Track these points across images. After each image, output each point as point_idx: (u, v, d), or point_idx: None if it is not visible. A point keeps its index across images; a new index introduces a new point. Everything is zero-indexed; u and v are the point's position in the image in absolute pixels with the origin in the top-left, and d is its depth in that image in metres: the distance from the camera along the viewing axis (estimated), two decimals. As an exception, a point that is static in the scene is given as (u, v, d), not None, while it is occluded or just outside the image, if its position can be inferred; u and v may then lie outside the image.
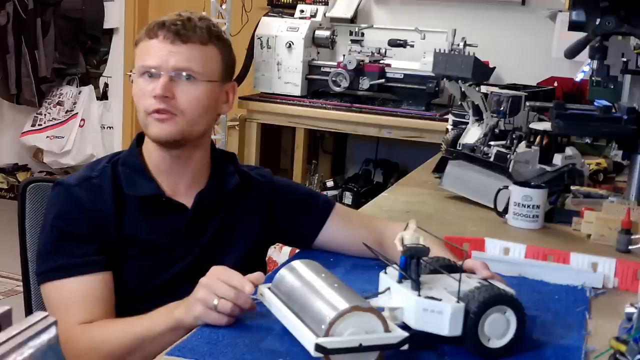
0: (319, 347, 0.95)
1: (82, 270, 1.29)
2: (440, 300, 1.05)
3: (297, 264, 1.15)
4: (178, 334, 1.12)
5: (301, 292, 1.07)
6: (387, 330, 0.99)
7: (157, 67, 1.33)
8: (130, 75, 1.40)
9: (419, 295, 1.05)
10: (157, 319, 1.19)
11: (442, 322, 1.04)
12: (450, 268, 1.16)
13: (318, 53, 3.94)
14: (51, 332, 0.62)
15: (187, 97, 1.35)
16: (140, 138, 1.45)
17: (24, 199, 1.56)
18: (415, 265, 1.07)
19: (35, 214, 1.55)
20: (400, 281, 1.10)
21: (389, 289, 1.11)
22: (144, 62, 1.35)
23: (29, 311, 1.55)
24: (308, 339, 0.97)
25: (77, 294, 1.28)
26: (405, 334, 1.00)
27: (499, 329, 1.07)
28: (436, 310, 1.04)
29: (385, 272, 1.15)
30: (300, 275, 1.11)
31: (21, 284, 1.58)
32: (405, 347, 0.99)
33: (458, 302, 1.04)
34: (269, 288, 1.15)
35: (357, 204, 3.66)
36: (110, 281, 1.32)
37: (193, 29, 1.35)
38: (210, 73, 1.37)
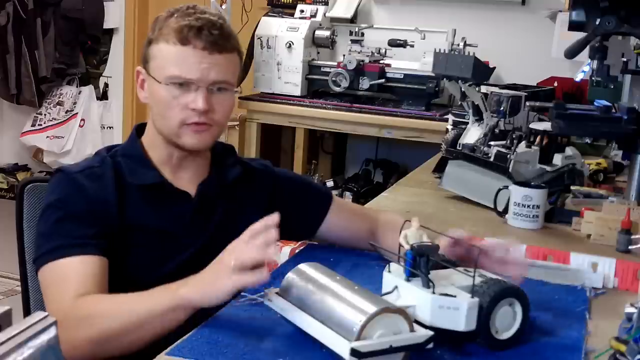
0: (354, 352, 0.95)
1: (80, 250, 1.26)
2: (454, 296, 1.06)
3: (304, 267, 1.14)
4: (178, 315, 1.12)
5: (319, 296, 1.07)
6: (412, 329, 1.00)
7: (197, 80, 1.31)
8: (140, 73, 1.38)
9: (434, 292, 1.06)
10: (159, 298, 1.16)
11: (458, 318, 1.05)
12: (450, 262, 1.19)
13: (318, 53, 3.94)
14: (51, 332, 0.62)
15: (222, 107, 1.36)
16: (139, 129, 1.45)
17: (22, 199, 1.54)
18: (425, 263, 1.08)
19: (34, 214, 1.54)
20: (408, 279, 1.10)
21: (396, 287, 1.11)
22: (178, 73, 1.31)
23: (27, 313, 1.54)
24: (341, 344, 0.98)
25: (73, 272, 1.25)
26: (430, 332, 1.01)
27: (507, 320, 1.10)
28: (452, 307, 1.06)
29: (389, 271, 1.15)
30: (312, 279, 1.11)
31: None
32: (430, 345, 1.01)
33: (472, 297, 1.06)
34: (277, 293, 1.14)
35: (357, 204, 3.66)
36: (106, 268, 1.29)
37: (227, 38, 1.34)
38: (235, 80, 1.39)
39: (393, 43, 3.77)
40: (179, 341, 1.08)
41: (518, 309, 1.10)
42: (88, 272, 1.26)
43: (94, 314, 1.20)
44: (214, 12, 1.38)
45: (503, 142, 2.02)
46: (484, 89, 2.14)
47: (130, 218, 1.35)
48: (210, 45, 1.31)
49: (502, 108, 2.04)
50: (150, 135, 1.42)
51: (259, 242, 1.13)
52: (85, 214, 1.31)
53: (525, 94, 2.16)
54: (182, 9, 1.35)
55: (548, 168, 1.98)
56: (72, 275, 1.25)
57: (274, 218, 1.14)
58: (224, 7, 4.00)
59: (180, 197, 1.40)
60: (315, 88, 3.88)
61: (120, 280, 1.32)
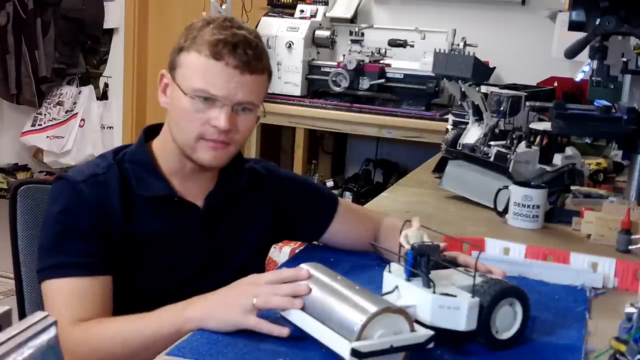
0: (354, 352, 0.95)
1: (81, 272, 1.25)
2: (455, 296, 1.06)
3: (304, 267, 1.14)
4: (182, 336, 1.10)
5: (319, 296, 1.07)
6: (412, 329, 1.00)
7: (223, 98, 1.28)
8: (164, 77, 1.35)
9: (434, 292, 1.06)
10: (164, 320, 1.15)
11: (459, 317, 1.06)
12: (450, 262, 1.19)
13: (318, 53, 3.94)
14: (51, 332, 0.62)
15: (243, 127, 1.33)
16: (147, 133, 1.41)
17: (15, 202, 1.53)
18: (426, 263, 1.09)
19: (27, 216, 1.53)
20: (408, 279, 1.10)
21: (396, 287, 1.11)
22: (204, 87, 1.27)
23: (22, 314, 1.53)
24: (341, 344, 0.98)
25: (72, 295, 1.24)
26: (431, 332, 1.02)
27: (507, 320, 1.10)
28: (453, 307, 1.06)
29: (390, 271, 1.15)
30: (313, 279, 1.11)
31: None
32: (431, 345, 1.01)
33: (473, 297, 1.06)
34: None
35: (357, 204, 3.65)
36: (110, 286, 1.28)
37: (259, 58, 1.30)
38: (260, 102, 1.36)
39: (393, 43, 3.77)
40: (179, 341, 1.08)
41: (518, 308, 1.11)
42: (86, 295, 1.25)
43: (96, 338, 1.20)
44: (250, 29, 1.34)
45: (503, 142, 2.02)
46: (484, 89, 2.14)
47: (136, 229, 1.32)
48: (242, 64, 1.27)
49: (502, 108, 2.04)
50: (163, 142, 1.38)
51: (287, 290, 1.10)
52: (88, 229, 1.28)
53: (525, 94, 2.16)
54: (219, 20, 1.31)
55: (548, 168, 1.98)
56: (69, 297, 1.24)
57: (305, 273, 1.12)
58: (224, 7, 4.00)
59: (188, 209, 1.38)
60: (315, 88, 3.88)
61: (127, 292, 1.31)
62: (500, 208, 1.86)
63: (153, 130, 1.41)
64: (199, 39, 1.29)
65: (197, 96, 1.29)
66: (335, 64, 3.77)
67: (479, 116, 2.15)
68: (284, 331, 1.07)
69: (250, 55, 1.28)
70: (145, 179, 1.35)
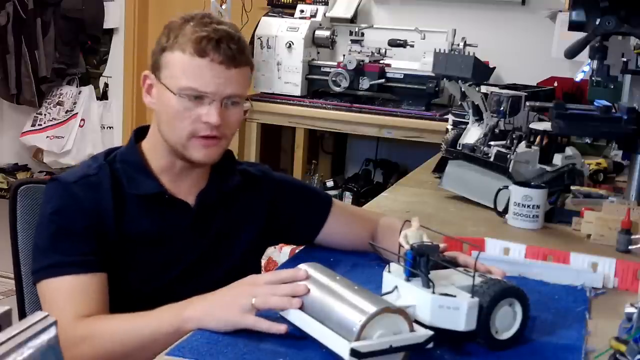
0: (354, 352, 0.95)
1: (78, 269, 1.26)
2: (454, 296, 1.06)
3: (304, 267, 1.14)
4: (182, 336, 1.10)
5: (319, 296, 1.07)
6: (411, 329, 1.00)
7: (212, 94, 1.29)
8: (148, 78, 1.35)
9: (434, 292, 1.06)
10: (163, 319, 1.15)
11: (458, 318, 1.06)
12: (450, 262, 1.19)
13: (318, 53, 3.94)
14: (51, 332, 0.62)
15: (233, 120, 1.34)
16: (138, 134, 1.42)
17: (15, 201, 1.53)
18: (425, 263, 1.09)
19: (27, 216, 1.53)
20: (408, 279, 1.10)
21: (396, 287, 1.11)
22: (193, 85, 1.28)
23: (22, 313, 1.54)
24: (341, 345, 0.98)
25: (73, 291, 1.24)
26: (430, 332, 1.02)
27: (507, 320, 1.10)
28: (452, 307, 1.06)
29: (389, 271, 1.15)
30: (312, 279, 1.11)
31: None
32: (430, 345, 1.01)
33: (472, 297, 1.06)
34: None
35: (357, 204, 3.65)
36: (106, 283, 1.29)
37: (242, 51, 1.32)
38: (246, 93, 1.37)
39: (393, 43, 3.77)
40: (179, 341, 1.08)
41: (518, 309, 1.11)
42: (87, 291, 1.25)
43: (96, 335, 1.19)
44: (229, 23, 1.35)
45: (503, 142, 2.02)
46: (484, 89, 2.14)
47: (128, 228, 1.33)
48: (227, 59, 1.28)
49: (502, 108, 2.04)
50: (152, 142, 1.39)
51: (285, 290, 1.10)
52: (81, 229, 1.29)
53: (525, 94, 2.16)
54: (197, 17, 1.32)
55: (548, 168, 1.98)
56: (70, 294, 1.24)
57: (303, 273, 1.12)
58: (224, 7, 4.00)
59: (180, 207, 1.38)
60: (315, 88, 3.88)
61: (120, 290, 1.31)
62: (500, 208, 1.86)
63: (143, 131, 1.42)
64: (181, 38, 1.29)
65: (185, 94, 1.30)
66: (335, 64, 3.78)
67: (479, 116, 2.15)
68: (281, 328, 1.08)
69: (234, 49, 1.29)
70: (136, 179, 1.36)
